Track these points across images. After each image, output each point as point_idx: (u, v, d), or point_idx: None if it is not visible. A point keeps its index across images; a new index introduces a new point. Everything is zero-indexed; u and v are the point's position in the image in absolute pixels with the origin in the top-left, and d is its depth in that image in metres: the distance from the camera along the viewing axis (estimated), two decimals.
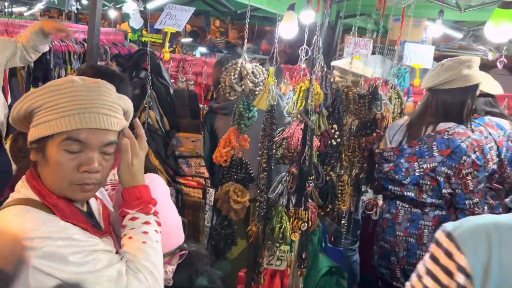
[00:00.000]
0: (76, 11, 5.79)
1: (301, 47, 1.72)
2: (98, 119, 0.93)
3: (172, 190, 2.41)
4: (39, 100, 0.94)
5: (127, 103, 1.05)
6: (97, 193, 1.11)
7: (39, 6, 6.87)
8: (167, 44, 2.78)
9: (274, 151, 1.77)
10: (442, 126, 2.00)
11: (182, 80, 2.85)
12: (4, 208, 0.94)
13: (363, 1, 3.29)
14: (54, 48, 4.03)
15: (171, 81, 2.87)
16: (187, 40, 7.87)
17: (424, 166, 2.00)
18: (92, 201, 1.10)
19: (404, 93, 2.72)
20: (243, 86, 1.67)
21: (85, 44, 4.26)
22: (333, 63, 2.71)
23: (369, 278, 3.06)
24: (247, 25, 1.70)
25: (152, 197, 1.06)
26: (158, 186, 1.26)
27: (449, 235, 0.65)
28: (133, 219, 1.03)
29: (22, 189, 0.96)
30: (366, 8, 3.70)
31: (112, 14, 6.36)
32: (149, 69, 2.42)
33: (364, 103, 2.16)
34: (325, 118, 1.92)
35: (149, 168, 2.46)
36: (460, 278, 0.63)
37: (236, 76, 1.66)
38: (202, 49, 6.85)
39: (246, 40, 1.70)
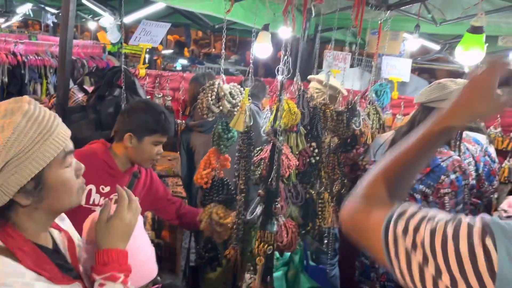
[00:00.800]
0: (52, 24, 5.67)
1: (277, 67, 1.69)
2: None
3: (149, 212, 2.33)
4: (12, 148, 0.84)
5: None
6: (60, 223, 1.05)
7: (17, 18, 6.72)
8: (142, 60, 2.73)
9: (252, 171, 1.73)
10: None
11: (159, 96, 2.79)
12: None
13: (341, 14, 3.31)
14: (29, 63, 3.92)
15: (147, 97, 2.81)
16: (168, 51, 7.82)
17: None
18: (56, 234, 1.03)
19: (384, 107, 2.73)
20: (220, 107, 1.63)
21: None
22: (309, 77, 2.70)
23: None
24: (224, 40, 1.66)
25: (126, 263, 0.99)
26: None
27: (488, 226, 0.60)
28: (100, 286, 0.96)
29: None
30: (344, 22, 3.74)
31: (92, 25, 6.27)
32: (123, 87, 2.36)
33: (342, 120, 2.15)
34: (303, 136, 1.89)
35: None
36: (483, 266, 0.57)
37: (214, 97, 1.62)
38: (182, 61, 6.81)
39: (223, 55, 1.66)
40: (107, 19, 3.79)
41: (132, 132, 1.64)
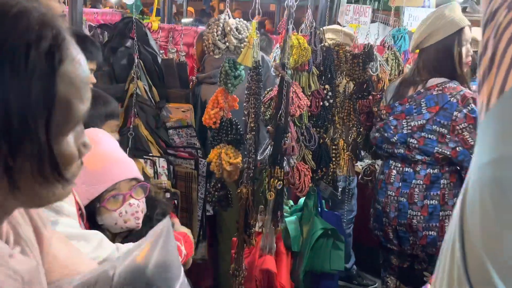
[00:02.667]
0: None
1: (286, 2, 1.63)
2: None
3: (164, 161, 2.36)
4: None
5: None
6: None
7: None
8: (154, 12, 2.70)
9: (262, 110, 1.70)
10: (432, 82, 1.92)
11: (173, 51, 2.76)
12: None
13: None
14: None
15: (161, 51, 2.79)
16: (187, 20, 7.74)
17: (412, 123, 1.93)
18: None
19: (404, 58, 2.61)
20: (227, 43, 1.59)
21: (82, 26, 4.20)
22: (324, 28, 2.61)
23: (362, 249, 3.02)
24: None
25: None
26: (103, 139, 1.24)
27: None
28: None
29: None
30: None
31: None
32: (135, 38, 2.35)
33: (358, 63, 2.07)
34: (316, 77, 1.84)
35: (141, 141, 2.42)
36: None
37: (219, 32, 1.58)
38: (202, 28, 6.72)
39: None
40: None
41: None
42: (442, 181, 1.92)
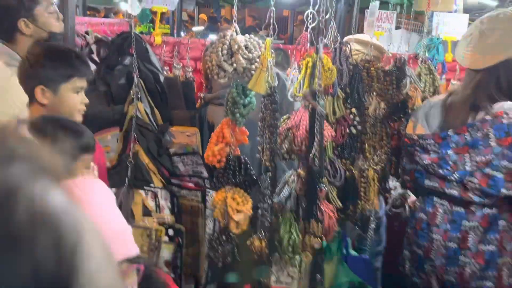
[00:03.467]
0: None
1: (306, 12, 1.34)
2: None
3: (167, 193, 2.08)
4: None
5: None
6: None
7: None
8: (157, 25, 2.45)
9: (277, 145, 1.41)
10: (499, 107, 1.55)
11: (178, 66, 2.50)
12: None
13: None
14: None
15: (165, 68, 2.54)
16: (198, 28, 7.55)
17: (477, 158, 1.56)
18: None
19: (437, 69, 2.28)
20: (234, 64, 1.31)
21: (86, 37, 4.02)
22: (347, 37, 2.30)
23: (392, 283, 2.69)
24: None
25: None
26: (94, 190, 0.96)
27: None
28: None
29: None
30: None
31: (124, 6, 6.10)
32: (134, 54, 2.09)
33: (391, 81, 1.76)
34: (341, 101, 1.54)
35: (141, 170, 2.16)
36: None
37: (225, 52, 1.30)
38: (213, 37, 6.51)
39: (235, 6, 1.33)
40: None
41: (43, 85, 1.36)
42: (500, 223, 1.59)
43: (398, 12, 3.78)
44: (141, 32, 4.86)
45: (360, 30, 4.02)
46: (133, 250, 1.02)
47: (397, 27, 3.96)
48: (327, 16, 1.21)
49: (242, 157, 1.37)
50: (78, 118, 1.45)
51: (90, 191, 0.96)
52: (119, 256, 0.97)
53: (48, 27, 1.79)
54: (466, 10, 4.03)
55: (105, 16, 6.56)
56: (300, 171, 1.34)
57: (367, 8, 4.10)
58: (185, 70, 2.59)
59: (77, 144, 1.17)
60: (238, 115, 1.31)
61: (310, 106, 1.27)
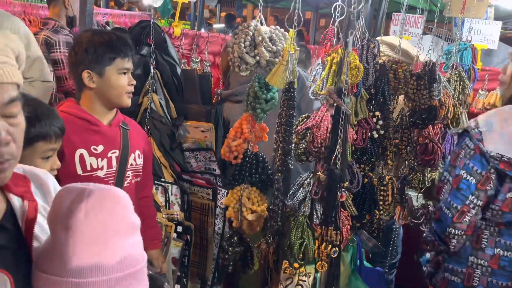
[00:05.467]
0: None
1: (335, 4, 1.25)
2: None
3: (177, 189, 2.02)
4: None
5: (17, 44, 0.69)
6: (37, 193, 0.78)
7: None
8: (177, 16, 2.40)
9: (293, 144, 1.33)
10: None
11: (196, 60, 2.45)
12: None
13: None
14: (74, 31, 3.82)
15: (183, 61, 2.48)
16: (220, 26, 7.50)
17: None
18: (16, 200, 0.75)
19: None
20: (257, 57, 1.23)
21: (106, 27, 4.02)
22: (377, 38, 2.20)
23: None
24: None
25: None
26: (122, 209, 0.82)
27: None
28: None
29: None
30: None
31: (146, 1, 6.14)
32: (153, 45, 2.04)
33: (424, 85, 1.66)
34: (364, 102, 1.45)
35: (152, 163, 2.11)
36: None
37: (248, 43, 1.22)
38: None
39: (260, 4, 1.25)
40: None
41: (89, 69, 1.37)
42: None
43: (427, 18, 3.64)
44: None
45: (386, 33, 3.90)
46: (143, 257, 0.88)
47: (425, 33, 3.83)
48: (359, 7, 1.12)
49: (260, 154, 1.29)
50: (127, 101, 1.44)
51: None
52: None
53: None
54: (497, 18, 3.88)
55: (128, 9, 6.59)
56: (320, 174, 1.25)
57: (394, 12, 3.97)
58: (203, 64, 2.53)
59: (29, 130, 1.08)
60: (259, 110, 1.24)
61: (335, 104, 1.18)
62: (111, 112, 1.48)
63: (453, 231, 1.42)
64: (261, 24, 1.24)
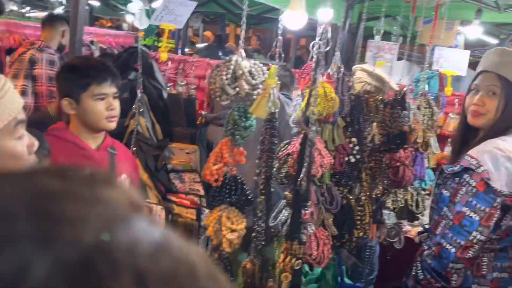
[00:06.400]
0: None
1: (312, 42, 1.38)
2: None
3: (162, 210, 2.08)
4: None
5: None
6: None
7: (59, 11, 6.80)
8: (164, 42, 2.49)
9: (276, 169, 1.42)
10: None
11: (182, 83, 2.54)
12: None
13: (392, 1, 2.93)
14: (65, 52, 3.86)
15: (169, 84, 2.57)
16: (202, 45, 7.63)
17: None
18: None
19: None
20: (237, 89, 1.33)
21: (91, 46, 4.07)
22: (354, 67, 2.35)
23: None
24: (244, 16, 1.37)
25: None
26: None
27: None
28: None
29: None
30: (390, 10, 3.35)
31: (130, 18, 6.23)
32: (140, 70, 2.12)
33: (393, 113, 1.79)
34: (341, 129, 1.56)
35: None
36: None
37: (229, 76, 1.32)
38: (216, 61, 6.58)
39: (243, 30, 1.37)
40: (136, 4, 3.59)
41: (67, 96, 1.40)
42: None
43: (401, 43, 3.84)
44: (145, 45, 4.94)
45: (362, 58, 4.10)
46: None
47: (399, 58, 4.04)
48: (327, 48, 1.24)
49: (238, 177, 1.38)
50: (107, 125, 1.45)
51: None
52: None
53: None
54: (467, 46, 4.13)
55: (117, 27, 6.64)
56: (287, 193, 1.36)
57: (369, 37, 4.16)
58: (188, 87, 2.63)
59: None
60: (238, 136, 1.33)
61: (302, 132, 1.29)
62: (99, 136, 1.51)
63: (456, 266, 1.41)
64: (242, 59, 1.35)
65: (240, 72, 1.27)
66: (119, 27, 6.94)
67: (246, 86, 1.25)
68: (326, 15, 1.80)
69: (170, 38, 6.12)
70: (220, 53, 6.36)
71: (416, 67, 4.07)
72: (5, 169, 0.74)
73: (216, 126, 2.21)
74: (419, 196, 2.16)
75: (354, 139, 1.68)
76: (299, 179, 1.32)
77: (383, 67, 3.13)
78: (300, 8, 1.30)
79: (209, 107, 2.75)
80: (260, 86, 1.29)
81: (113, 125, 1.48)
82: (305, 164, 1.31)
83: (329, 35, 1.26)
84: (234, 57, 1.30)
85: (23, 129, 0.81)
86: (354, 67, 2.40)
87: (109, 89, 1.43)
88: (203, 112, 2.60)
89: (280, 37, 1.28)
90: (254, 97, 1.31)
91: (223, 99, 1.29)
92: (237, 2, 3.81)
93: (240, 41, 1.29)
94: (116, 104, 1.47)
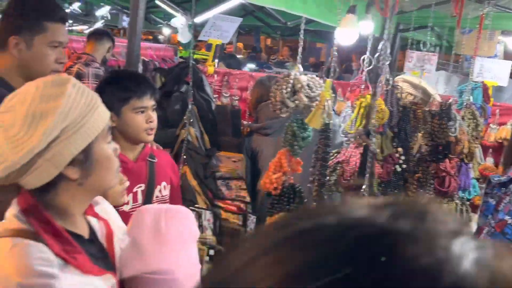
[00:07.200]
0: (128, 26, 5.91)
1: (362, 56, 1.45)
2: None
3: (210, 214, 2.19)
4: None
5: None
6: (101, 213, 0.98)
7: (98, 25, 7.17)
8: (211, 57, 2.62)
9: (327, 177, 1.50)
10: None
11: (226, 95, 2.66)
12: None
13: (425, 12, 2.96)
14: (107, 64, 4.09)
15: (215, 96, 2.70)
16: (238, 57, 7.82)
17: None
18: (94, 222, 0.95)
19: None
20: (296, 101, 1.42)
21: None
22: (398, 77, 2.40)
23: None
24: (302, 34, 1.46)
25: None
26: (188, 223, 1.02)
27: None
28: None
29: (14, 218, 0.83)
30: (427, 21, 3.37)
31: (166, 31, 6.50)
32: (191, 83, 2.26)
33: (440, 123, 1.83)
34: (390, 140, 1.62)
35: (187, 191, 2.28)
36: None
37: (289, 90, 1.41)
38: (250, 65, 6.74)
39: (300, 49, 1.46)
40: (179, 20, 3.78)
41: (108, 110, 1.43)
42: None
43: (438, 52, 3.83)
44: (182, 57, 5.13)
45: (400, 68, 4.11)
46: None
47: (439, 69, 4.04)
48: (386, 63, 1.31)
49: (296, 185, 1.46)
50: (146, 137, 1.47)
51: (186, 223, 1.00)
52: None
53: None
54: (506, 56, 4.07)
55: (155, 40, 6.91)
56: None
57: (403, 47, 4.16)
58: (232, 98, 2.74)
59: None
60: (296, 147, 1.41)
61: (363, 143, 1.36)
62: (137, 147, 1.50)
63: None
64: (299, 74, 1.44)
65: (299, 85, 1.36)
66: (156, 39, 7.22)
67: (305, 99, 1.34)
68: (367, 27, 1.88)
69: (205, 50, 6.32)
70: (253, 64, 6.52)
71: (455, 77, 4.04)
72: (104, 170, 0.85)
73: (261, 136, 2.30)
74: (464, 206, 2.17)
75: (400, 149, 1.73)
76: (361, 190, 1.38)
77: (422, 78, 3.15)
78: (352, 25, 1.38)
79: (251, 117, 2.86)
80: (318, 98, 1.37)
81: (151, 137, 1.50)
82: (367, 175, 1.37)
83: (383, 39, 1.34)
84: (293, 72, 1.39)
85: (110, 136, 0.92)
86: (396, 78, 2.46)
87: (149, 102, 1.44)
88: (246, 123, 2.71)
89: (335, 52, 1.36)
90: (312, 109, 1.39)
91: (283, 111, 1.38)
92: (277, 15, 3.92)
93: (298, 57, 1.38)
94: (155, 116, 1.47)
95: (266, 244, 0.27)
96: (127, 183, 1.28)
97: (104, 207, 1.00)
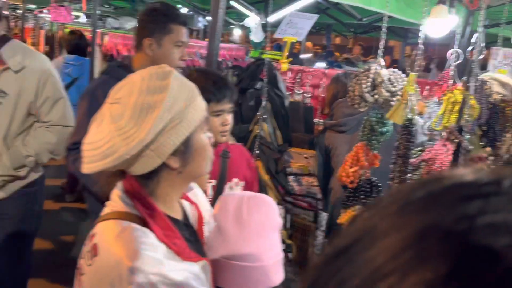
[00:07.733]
0: (203, 27, 6.17)
1: (450, 50, 1.39)
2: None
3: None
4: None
5: None
6: (192, 197, 1.01)
7: None
8: (285, 54, 2.65)
9: (409, 175, 1.45)
10: None
11: (299, 92, 2.67)
12: (104, 220, 0.86)
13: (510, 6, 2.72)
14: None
15: (287, 93, 2.73)
16: (306, 56, 7.80)
17: None
18: (187, 206, 0.99)
19: None
20: (376, 96, 1.40)
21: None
22: (484, 74, 2.24)
23: None
24: (384, 27, 1.43)
25: None
26: (271, 212, 1.04)
27: None
28: None
29: (120, 200, 0.87)
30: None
31: (237, 32, 6.70)
32: (265, 80, 2.30)
33: None
34: (478, 138, 1.53)
35: (259, 185, 2.33)
36: None
37: (369, 84, 1.39)
38: (320, 64, 6.69)
39: (382, 42, 1.43)
40: (253, 19, 3.86)
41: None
42: None
43: None
44: (252, 57, 5.24)
45: (482, 66, 3.82)
46: (278, 278, 0.98)
47: None
48: (480, 57, 1.24)
49: (373, 179, 1.44)
50: (220, 139, 1.46)
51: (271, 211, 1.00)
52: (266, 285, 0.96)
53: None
54: None
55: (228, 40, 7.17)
56: None
57: (488, 44, 3.88)
58: (304, 96, 2.75)
59: None
60: (374, 141, 1.39)
61: (455, 140, 1.29)
62: None
63: None
64: (380, 68, 1.41)
65: (380, 80, 1.33)
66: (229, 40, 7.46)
67: (385, 93, 1.31)
68: (454, 21, 1.78)
69: (273, 49, 6.37)
70: (324, 63, 6.45)
71: None
72: (201, 159, 0.90)
73: (335, 133, 2.28)
74: None
75: (488, 149, 1.62)
76: None
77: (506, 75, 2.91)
78: (443, 16, 1.32)
79: (323, 114, 2.84)
80: (399, 93, 1.34)
81: (225, 139, 1.49)
82: None
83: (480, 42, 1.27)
84: (373, 66, 1.37)
85: (206, 125, 0.95)
86: (481, 76, 2.30)
87: (227, 105, 1.43)
88: (316, 120, 2.70)
89: (422, 46, 1.32)
90: (392, 104, 1.36)
91: (361, 106, 1.37)
92: (353, 11, 3.84)
93: (379, 50, 1.36)
94: (230, 118, 1.46)
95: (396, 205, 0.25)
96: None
97: (195, 191, 1.05)
